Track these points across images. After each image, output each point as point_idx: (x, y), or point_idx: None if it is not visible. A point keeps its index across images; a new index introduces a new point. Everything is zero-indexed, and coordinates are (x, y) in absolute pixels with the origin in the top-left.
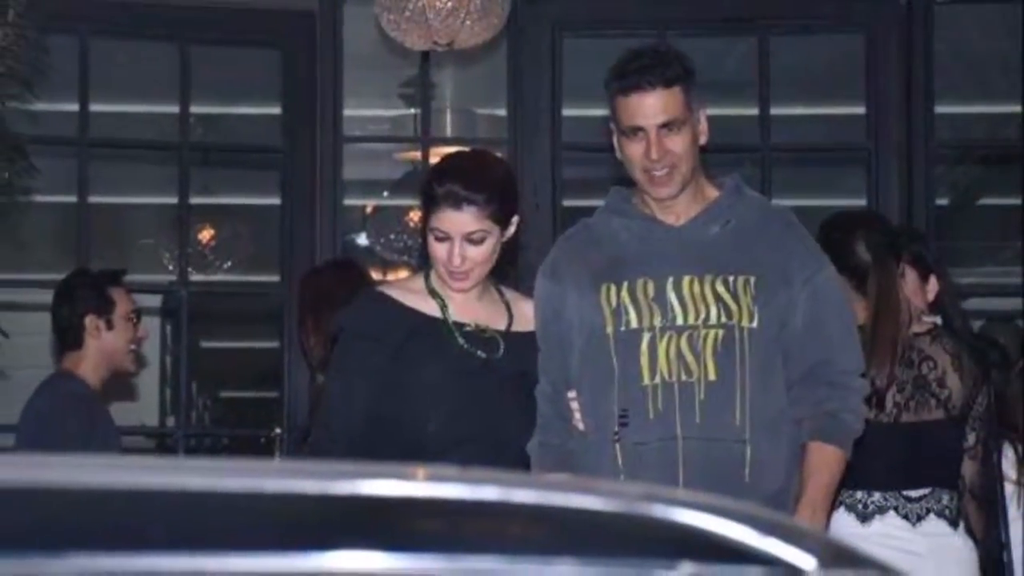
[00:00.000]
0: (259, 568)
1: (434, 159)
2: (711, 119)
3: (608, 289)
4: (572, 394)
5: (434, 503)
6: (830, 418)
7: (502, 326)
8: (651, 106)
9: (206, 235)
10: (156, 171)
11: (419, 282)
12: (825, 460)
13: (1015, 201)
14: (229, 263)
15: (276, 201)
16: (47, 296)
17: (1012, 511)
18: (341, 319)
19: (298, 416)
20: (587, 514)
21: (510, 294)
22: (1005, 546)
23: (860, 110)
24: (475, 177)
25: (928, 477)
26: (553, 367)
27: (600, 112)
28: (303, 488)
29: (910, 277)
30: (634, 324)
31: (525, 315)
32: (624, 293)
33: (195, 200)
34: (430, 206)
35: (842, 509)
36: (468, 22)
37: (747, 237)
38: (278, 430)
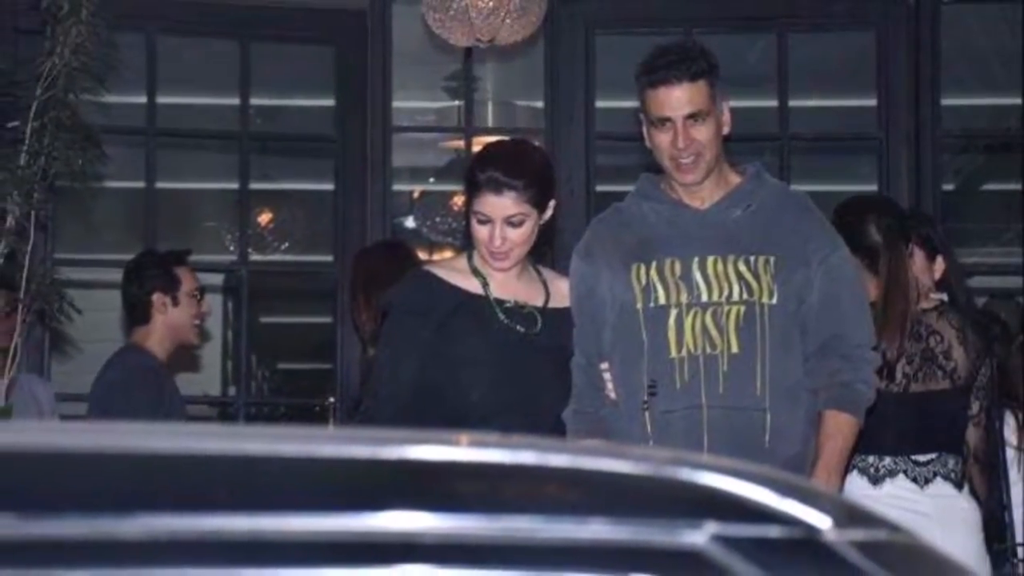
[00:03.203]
0: (313, 528)
1: (476, 147)
2: (733, 110)
3: (638, 268)
4: (605, 366)
5: (476, 467)
6: (844, 388)
7: (540, 303)
8: (678, 98)
9: (265, 218)
10: (218, 159)
11: (463, 262)
12: (839, 427)
13: (1016, 187)
14: (286, 244)
15: (330, 187)
16: (117, 275)
17: (1013, 474)
18: (390, 296)
19: (350, 386)
20: (618, 477)
21: (547, 273)
22: (1006, 507)
23: (871, 102)
24: (515, 164)
25: (935, 443)
26: (587, 341)
27: (630, 104)
28: (355, 453)
29: (918, 257)
30: (662, 301)
31: (561, 292)
32: (653, 272)
33: (254, 186)
34: (473, 191)
35: (855, 472)
36: (508, 20)
37: (767, 220)
38: (331, 399)
